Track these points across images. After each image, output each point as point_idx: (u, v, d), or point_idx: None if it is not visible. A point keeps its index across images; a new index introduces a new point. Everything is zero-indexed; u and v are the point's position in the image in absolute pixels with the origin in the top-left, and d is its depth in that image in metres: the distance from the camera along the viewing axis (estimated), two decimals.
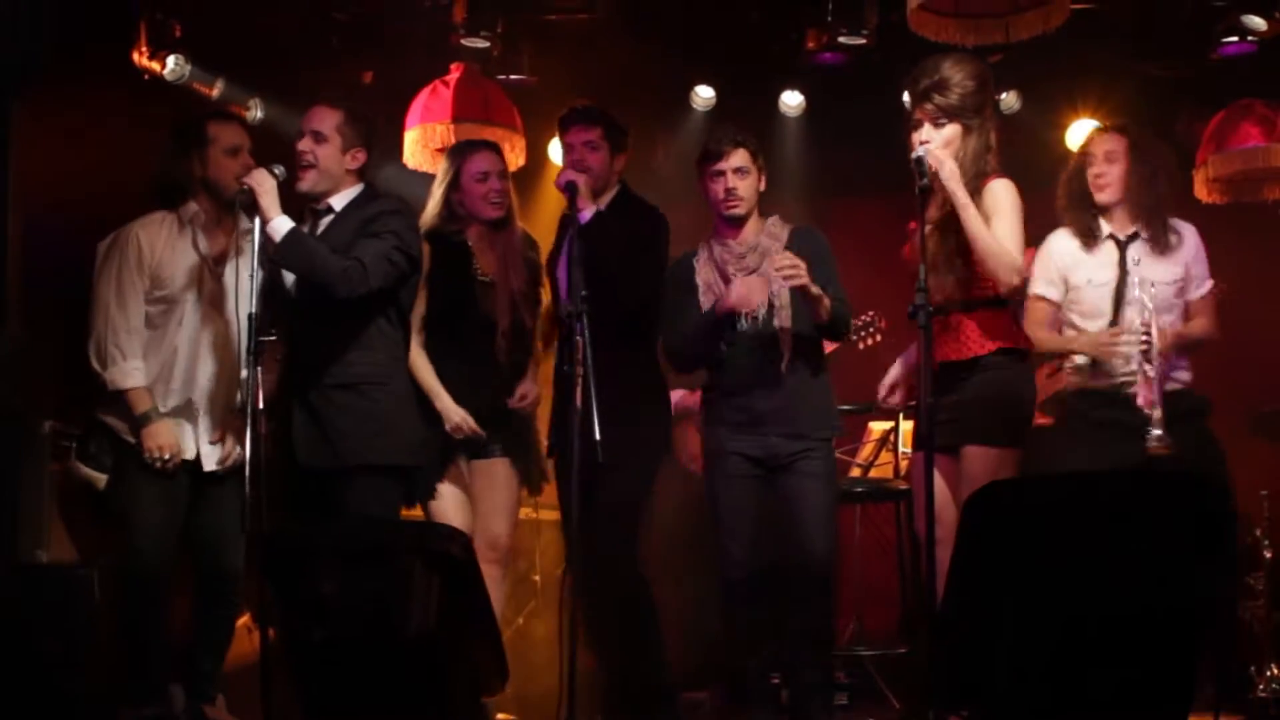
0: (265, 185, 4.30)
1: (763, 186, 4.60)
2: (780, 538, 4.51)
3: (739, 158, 4.52)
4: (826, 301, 4.38)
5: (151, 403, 4.52)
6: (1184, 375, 4.72)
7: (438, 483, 4.72)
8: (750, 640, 4.51)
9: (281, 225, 4.30)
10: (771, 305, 4.48)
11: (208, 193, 4.63)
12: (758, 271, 4.50)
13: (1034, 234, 5.23)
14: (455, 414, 4.66)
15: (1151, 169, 4.70)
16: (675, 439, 5.74)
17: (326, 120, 4.50)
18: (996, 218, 4.20)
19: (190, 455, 4.58)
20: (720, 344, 4.51)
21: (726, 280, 4.52)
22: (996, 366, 4.21)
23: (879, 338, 6.36)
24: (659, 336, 4.74)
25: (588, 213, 4.55)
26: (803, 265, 4.31)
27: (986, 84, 4.30)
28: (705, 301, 4.54)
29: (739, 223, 4.57)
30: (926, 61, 4.33)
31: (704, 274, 4.58)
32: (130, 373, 4.51)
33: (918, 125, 4.29)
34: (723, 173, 4.52)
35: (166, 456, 4.51)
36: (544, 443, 4.90)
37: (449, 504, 4.73)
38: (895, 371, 4.74)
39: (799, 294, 4.37)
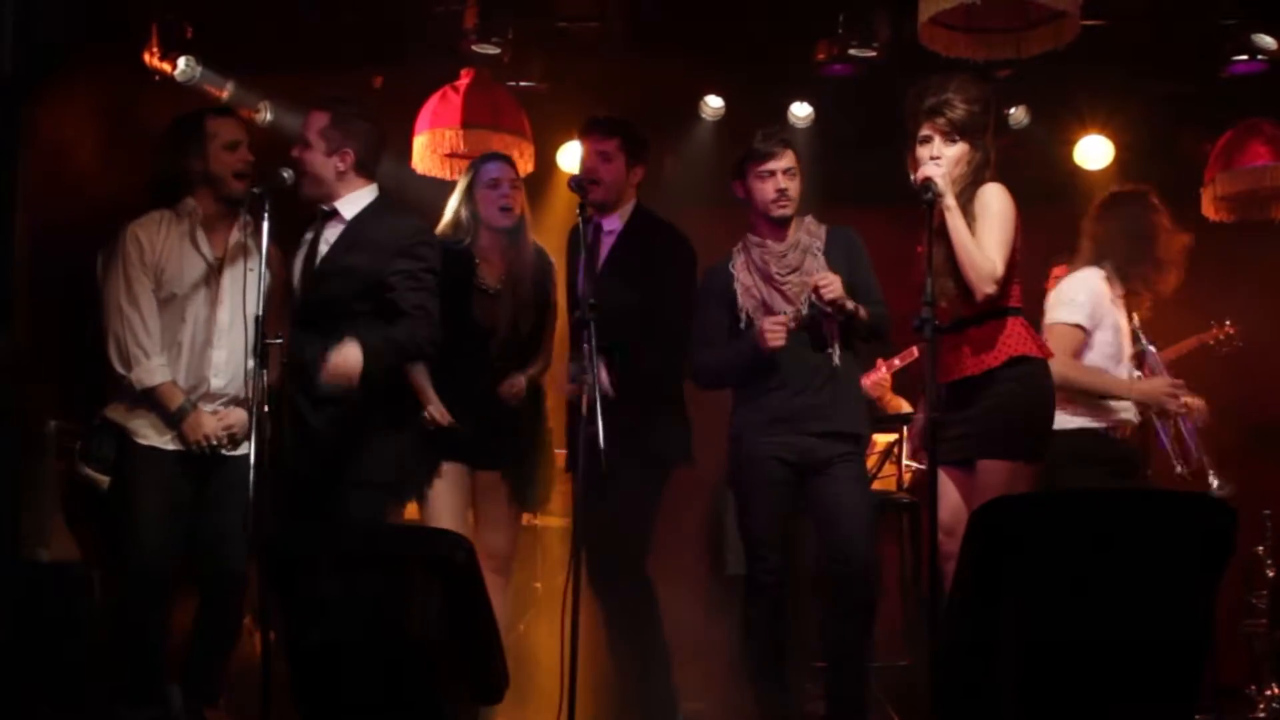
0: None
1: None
2: (812, 544, 4.49)
3: (789, 159, 4.51)
4: (863, 313, 4.38)
5: (184, 396, 4.52)
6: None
7: (428, 486, 4.69)
8: (775, 653, 4.46)
9: (353, 354, 4.28)
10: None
11: (208, 188, 4.63)
12: (800, 270, 4.46)
13: (1050, 248, 5.25)
14: (433, 407, 4.61)
15: None
16: None
17: (312, 125, 4.53)
18: (983, 221, 4.17)
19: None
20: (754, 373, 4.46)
21: (768, 280, 4.47)
22: (1013, 379, 4.15)
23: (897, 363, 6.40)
24: (681, 349, 4.67)
25: (610, 221, 4.55)
26: (838, 281, 4.32)
27: (990, 105, 4.32)
28: (746, 303, 4.49)
29: (786, 223, 4.53)
30: (931, 79, 4.31)
31: (743, 277, 4.53)
32: (156, 370, 4.50)
33: (925, 140, 4.27)
34: (773, 173, 4.49)
35: (214, 443, 4.52)
36: (558, 457, 4.90)
37: (441, 508, 4.70)
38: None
39: (836, 310, 4.34)
